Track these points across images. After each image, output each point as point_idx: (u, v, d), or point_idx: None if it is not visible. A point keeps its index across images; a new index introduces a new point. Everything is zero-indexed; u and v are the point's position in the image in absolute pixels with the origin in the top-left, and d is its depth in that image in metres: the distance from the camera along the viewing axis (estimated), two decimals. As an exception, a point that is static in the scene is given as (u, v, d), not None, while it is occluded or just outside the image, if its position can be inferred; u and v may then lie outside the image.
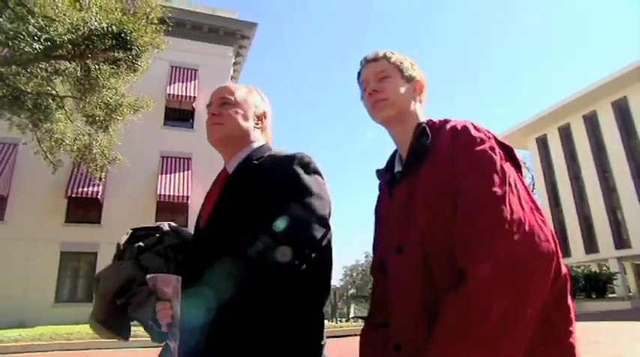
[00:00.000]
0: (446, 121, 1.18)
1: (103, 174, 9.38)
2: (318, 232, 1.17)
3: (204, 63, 18.09)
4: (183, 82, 17.66)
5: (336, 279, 58.94)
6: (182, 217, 16.04)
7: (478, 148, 1.06)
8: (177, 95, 17.20)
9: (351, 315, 47.71)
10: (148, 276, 1.19)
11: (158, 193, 15.82)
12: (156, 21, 6.88)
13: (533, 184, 35.28)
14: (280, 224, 1.12)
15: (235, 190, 1.28)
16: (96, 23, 6.33)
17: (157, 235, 1.39)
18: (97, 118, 7.58)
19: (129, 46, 6.47)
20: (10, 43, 6.02)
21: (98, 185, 15.11)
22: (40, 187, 15.26)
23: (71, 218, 15.60)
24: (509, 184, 0.98)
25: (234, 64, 20.10)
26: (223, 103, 1.38)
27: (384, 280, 1.22)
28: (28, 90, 8.16)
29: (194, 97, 17.30)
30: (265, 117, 1.45)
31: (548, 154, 33.31)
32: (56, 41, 6.22)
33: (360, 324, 14.80)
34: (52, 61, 6.56)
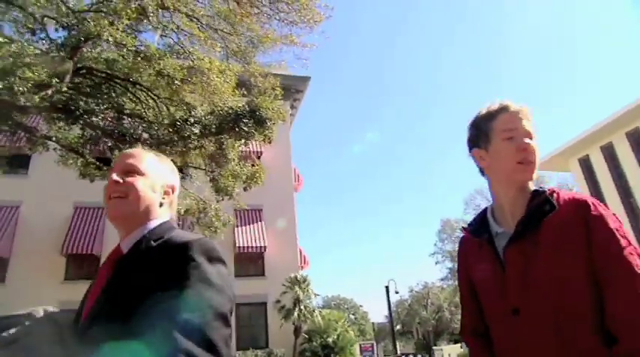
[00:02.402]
0: (555, 192, 1.28)
1: (216, 234, 10.19)
2: (218, 332, 1.00)
3: (264, 118, 19.46)
4: (248, 138, 18.97)
5: (382, 315, 58.09)
6: (260, 266, 17.25)
7: (614, 226, 1.19)
8: (244, 150, 18.29)
9: (399, 352, 46.87)
10: None
11: (237, 245, 16.80)
12: (280, 97, 7.85)
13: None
14: (175, 322, 0.97)
15: (126, 275, 1.11)
16: (236, 104, 7.35)
17: (27, 323, 1.15)
18: (223, 185, 8.50)
19: (263, 122, 7.43)
20: (170, 130, 7.04)
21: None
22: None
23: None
24: None
25: (289, 115, 21.40)
26: (129, 171, 1.21)
27: (484, 345, 1.33)
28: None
29: (260, 152, 18.44)
30: (173, 192, 1.29)
31: (592, 174, 33.22)
32: (206, 124, 7.22)
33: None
34: (195, 140, 7.51)
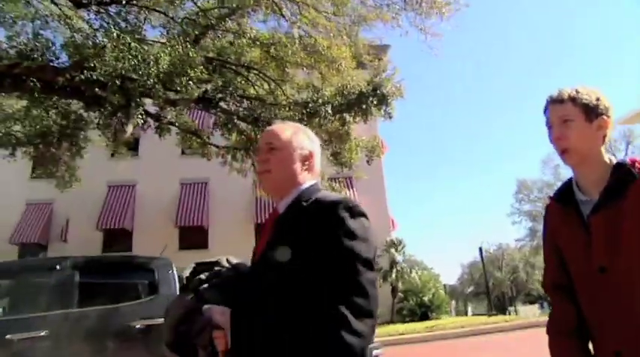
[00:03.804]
0: (637, 161, 1.36)
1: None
2: (364, 276, 1.19)
3: (346, 88, 19.97)
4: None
5: (454, 278, 58.17)
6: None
7: None
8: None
9: (470, 314, 47.04)
10: (204, 307, 1.32)
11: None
12: (396, 77, 8.35)
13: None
14: (326, 275, 1.18)
15: (285, 231, 1.33)
16: (359, 84, 7.97)
17: (216, 268, 1.51)
18: (346, 159, 9.25)
19: (385, 99, 8.01)
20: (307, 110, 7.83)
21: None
22: (232, 217, 17.97)
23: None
24: None
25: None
26: (270, 149, 1.41)
27: (565, 296, 1.46)
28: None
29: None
30: (312, 157, 1.46)
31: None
32: (334, 104, 7.92)
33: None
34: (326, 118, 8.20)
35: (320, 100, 7.91)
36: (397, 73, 8.26)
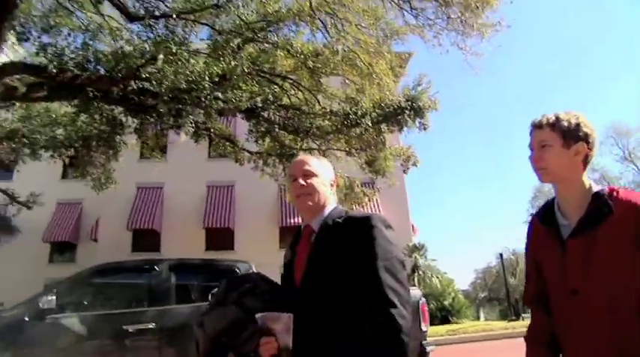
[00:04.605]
0: (615, 191, 1.44)
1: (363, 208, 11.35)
2: (402, 274, 1.43)
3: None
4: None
5: (467, 283, 57.93)
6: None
7: None
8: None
9: (482, 319, 46.78)
10: (258, 315, 1.39)
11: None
12: (430, 89, 8.69)
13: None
14: (373, 271, 1.39)
15: (326, 244, 1.53)
16: (397, 97, 8.35)
17: (251, 281, 1.64)
18: (381, 166, 9.62)
19: (421, 112, 8.36)
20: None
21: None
22: (257, 219, 18.41)
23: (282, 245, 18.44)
24: None
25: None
26: (307, 175, 1.63)
27: (543, 310, 1.56)
28: (300, 146, 10.48)
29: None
30: (334, 183, 1.72)
31: None
32: (373, 115, 8.30)
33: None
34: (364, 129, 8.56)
35: (359, 112, 8.27)
36: (432, 86, 8.59)
